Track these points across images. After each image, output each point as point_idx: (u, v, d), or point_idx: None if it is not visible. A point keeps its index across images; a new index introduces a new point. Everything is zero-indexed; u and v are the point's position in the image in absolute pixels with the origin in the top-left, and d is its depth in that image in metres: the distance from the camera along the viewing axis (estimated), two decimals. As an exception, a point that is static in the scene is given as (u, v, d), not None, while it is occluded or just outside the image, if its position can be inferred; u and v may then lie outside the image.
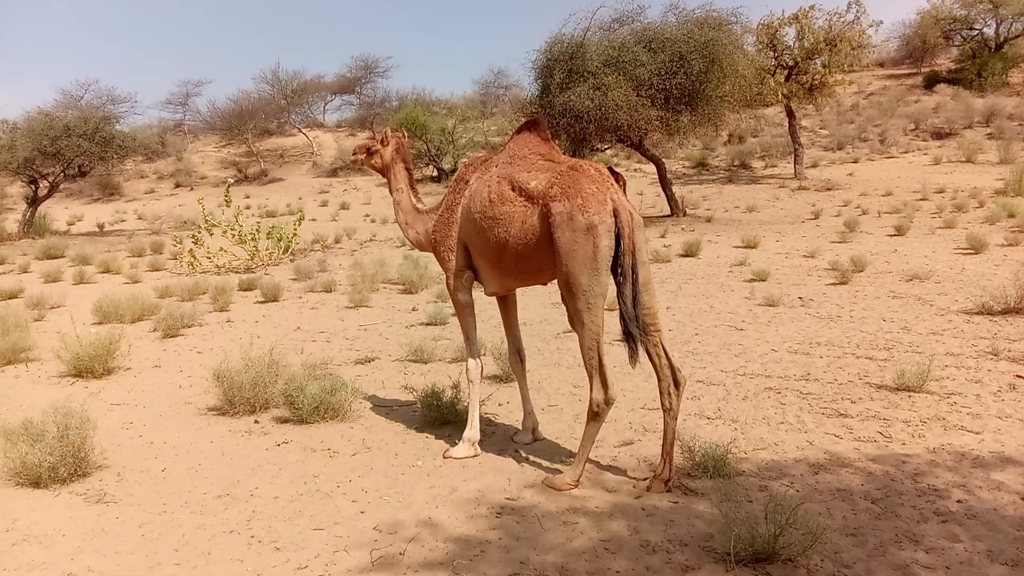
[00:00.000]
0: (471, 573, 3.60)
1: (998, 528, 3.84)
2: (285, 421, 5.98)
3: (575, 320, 4.45)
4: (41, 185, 26.19)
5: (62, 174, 26.37)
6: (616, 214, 4.32)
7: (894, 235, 15.62)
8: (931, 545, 3.71)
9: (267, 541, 4.04)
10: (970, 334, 7.79)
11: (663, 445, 4.50)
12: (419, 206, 5.69)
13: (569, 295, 4.41)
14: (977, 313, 8.62)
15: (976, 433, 5.20)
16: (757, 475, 4.65)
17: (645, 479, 4.58)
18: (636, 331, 4.30)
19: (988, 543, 3.70)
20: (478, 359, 5.29)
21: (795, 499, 4.00)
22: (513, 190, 4.71)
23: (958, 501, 4.18)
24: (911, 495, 4.28)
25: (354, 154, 6.06)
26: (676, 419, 4.50)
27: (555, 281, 4.61)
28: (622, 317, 4.34)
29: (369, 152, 5.90)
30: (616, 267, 4.34)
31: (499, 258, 4.81)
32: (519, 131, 5.17)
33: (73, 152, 24.75)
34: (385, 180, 5.95)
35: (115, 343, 7.81)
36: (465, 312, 5.27)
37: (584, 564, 3.65)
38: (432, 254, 5.52)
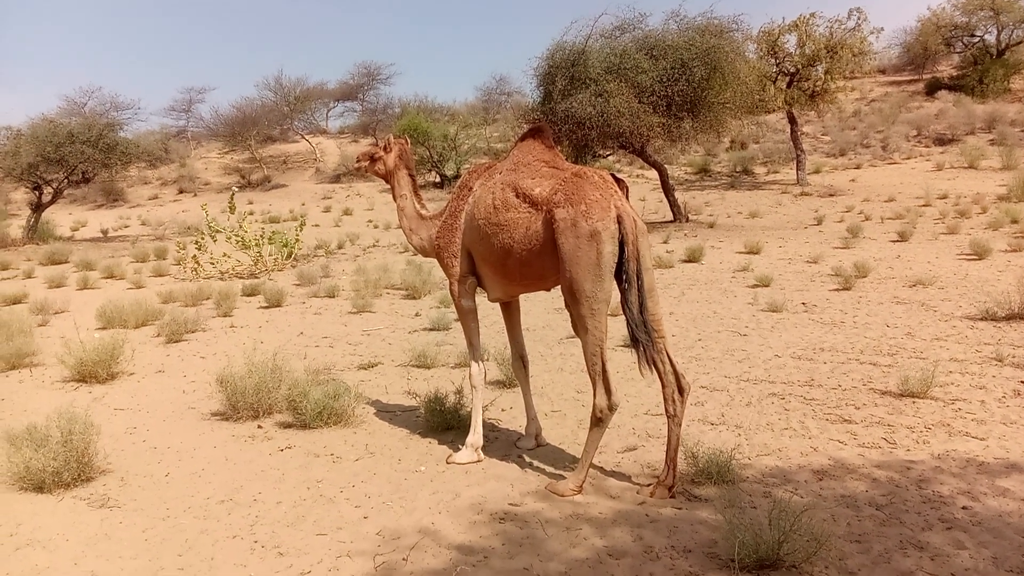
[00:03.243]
0: (475, 579, 3.59)
1: (1003, 535, 3.83)
2: (288, 426, 5.98)
3: (578, 326, 4.45)
4: (45, 191, 26.26)
5: (66, 180, 26.45)
6: (620, 220, 4.32)
7: (897, 241, 15.60)
8: (936, 552, 3.70)
9: (270, 546, 4.04)
10: (974, 340, 7.78)
11: (667, 451, 4.49)
12: (423, 212, 5.70)
13: (572, 301, 4.41)
14: (981, 319, 8.60)
15: (981, 439, 5.18)
16: (761, 481, 4.64)
17: (648, 485, 4.58)
18: (644, 337, 4.30)
19: (993, 550, 3.68)
20: (481, 364, 5.29)
21: (799, 506, 3.99)
22: (517, 196, 4.72)
23: (963, 508, 4.16)
24: (916, 502, 4.27)
25: (358, 161, 6.07)
26: (680, 425, 4.50)
27: (558, 287, 4.62)
28: (629, 324, 4.34)
29: (372, 159, 5.92)
30: (620, 274, 4.35)
31: (503, 264, 4.81)
32: (523, 138, 5.19)
33: (77, 158, 24.85)
34: (389, 186, 5.96)
35: (119, 348, 7.82)
36: (468, 318, 5.27)
37: (587, 572, 3.64)
38: (436, 260, 5.53)
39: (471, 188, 5.20)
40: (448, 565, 3.77)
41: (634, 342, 4.37)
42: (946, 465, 4.77)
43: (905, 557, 3.65)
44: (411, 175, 5.84)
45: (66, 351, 7.70)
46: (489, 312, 8.10)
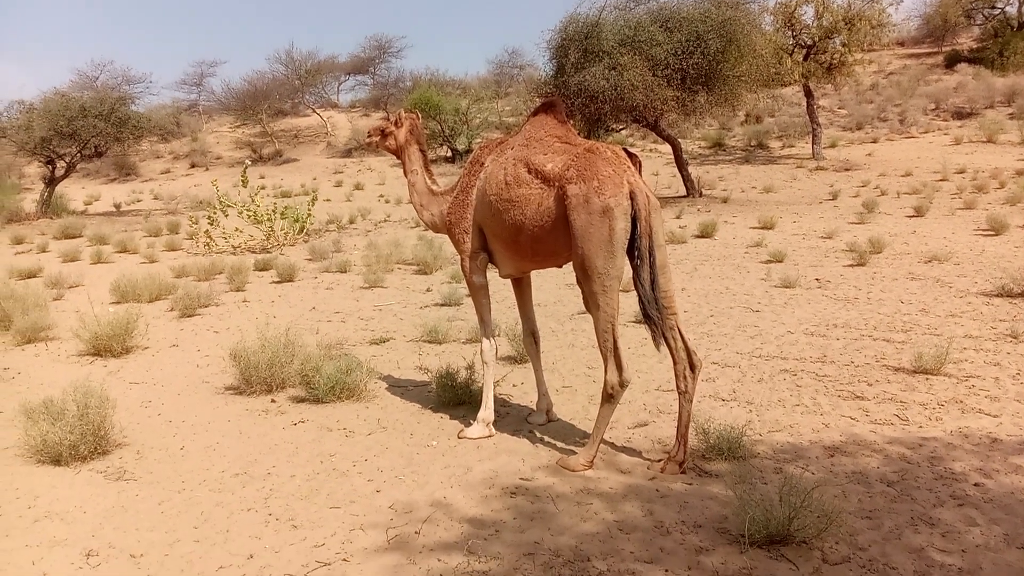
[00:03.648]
0: (485, 554, 3.62)
1: (1015, 512, 3.82)
2: (301, 401, 6.03)
3: (590, 303, 4.44)
4: (58, 165, 26.35)
5: (79, 154, 26.53)
6: (632, 196, 4.29)
7: (913, 216, 15.46)
8: (947, 529, 3.69)
9: (284, 519, 4.09)
10: (989, 316, 7.72)
11: (678, 427, 4.50)
12: (434, 188, 5.67)
13: (584, 278, 4.40)
14: (997, 295, 8.53)
15: (994, 416, 5.16)
16: (772, 457, 4.64)
17: (659, 461, 4.59)
18: (656, 314, 4.29)
19: (1005, 527, 3.68)
20: (492, 340, 5.30)
21: (810, 482, 4.00)
22: (529, 172, 4.69)
23: (975, 485, 4.16)
24: (927, 478, 4.26)
25: (368, 136, 6.05)
26: (691, 402, 4.50)
27: (570, 263, 4.60)
28: (641, 301, 4.32)
29: (383, 134, 5.89)
30: (633, 250, 4.33)
31: (514, 240, 4.80)
32: (535, 113, 5.14)
33: (89, 132, 24.89)
34: (399, 162, 5.94)
35: (133, 322, 7.88)
36: (480, 294, 5.27)
37: (598, 546, 3.66)
38: (447, 236, 5.52)
39: (483, 163, 5.17)
40: (460, 538, 3.80)
41: (646, 319, 4.36)
42: (959, 442, 4.76)
43: (916, 533, 3.65)
44: (422, 150, 5.81)
45: (81, 325, 7.77)
46: (501, 288, 8.10)
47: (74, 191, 30.80)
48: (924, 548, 3.52)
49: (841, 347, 6.94)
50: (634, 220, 4.29)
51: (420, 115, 6.03)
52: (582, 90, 19.77)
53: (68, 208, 25.31)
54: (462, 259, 5.29)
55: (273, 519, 4.09)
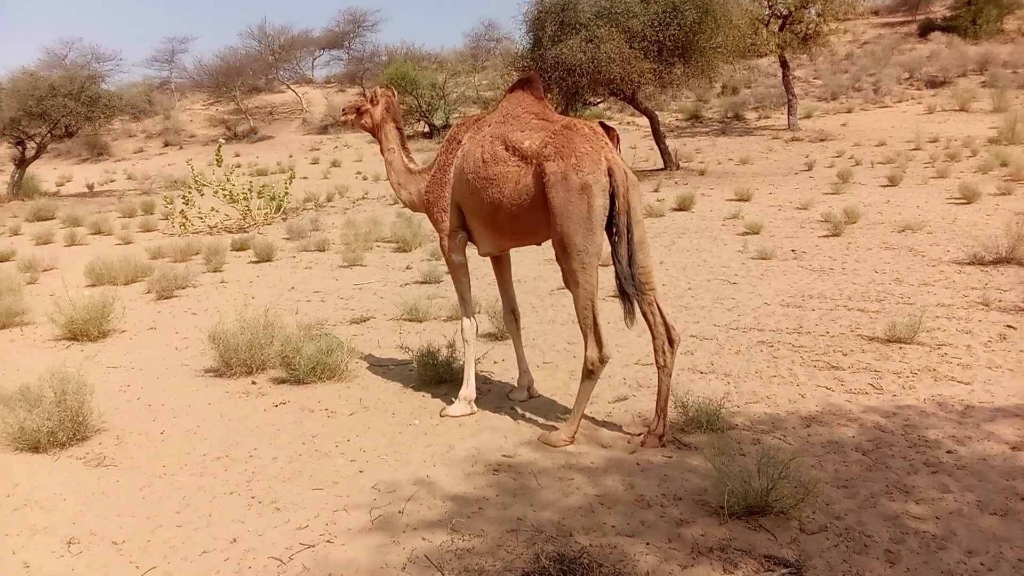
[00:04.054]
0: (469, 531, 3.65)
1: (987, 478, 3.91)
2: (282, 382, 6.01)
3: (569, 280, 4.45)
4: (28, 146, 25.89)
5: (49, 135, 26.07)
6: (610, 173, 4.29)
7: (887, 186, 15.59)
8: (921, 496, 3.78)
9: (267, 502, 4.10)
10: (961, 285, 7.84)
11: (657, 401, 4.54)
12: (411, 166, 5.63)
13: (563, 255, 4.40)
14: (969, 263, 8.65)
15: (966, 384, 5.26)
16: (750, 428, 4.71)
17: (639, 435, 4.64)
18: (632, 290, 4.31)
19: (978, 493, 3.76)
20: (473, 319, 5.31)
21: (787, 453, 4.06)
22: (506, 150, 4.67)
23: (948, 452, 4.24)
24: (902, 446, 4.35)
25: (343, 114, 5.98)
26: (670, 376, 4.54)
27: (549, 241, 4.60)
28: (617, 277, 4.35)
29: (359, 111, 5.82)
30: (611, 226, 4.34)
31: (493, 219, 4.79)
32: (512, 89, 5.11)
33: (59, 112, 24.46)
34: (376, 140, 5.88)
35: (109, 306, 7.80)
36: (459, 273, 5.26)
37: (580, 520, 3.71)
38: (425, 215, 5.49)
39: (460, 141, 5.14)
40: (443, 516, 3.83)
41: (621, 295, 4.39)
42: (932, 410, 4.85)
43: (891, 501, 3.73)
44: (399, 128, 5.76)
45: (56, 310, 7.68)
46: (481, 264, 8.10)
47: (46, 172, 30.25)
48: (899, 516, 3.60)
49: (817, 318, 7.03)
50: (612, 197, 4.30)
51: (396, 92, 5.97)
52: (559, 63, 19.64)
53: (40, 190, 24.91)
54: (441, 238, 5.27)
55: (256, 502, 4.10)
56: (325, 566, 3.44)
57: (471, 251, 5.30)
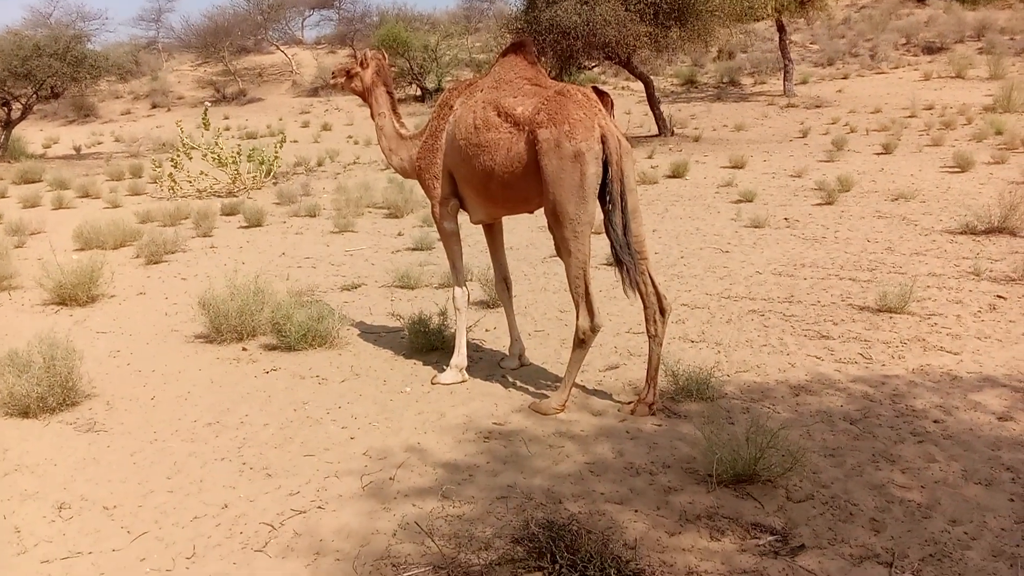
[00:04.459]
0: (459, 498, 3.68)
1: (973, 448, 3.95)
2: (273, 348, 6.00)
3: (561, 248, 4.43)
4: (14, 107, 25.45)
5: (35, 95, 25.62)
6: (604, 140, 4.25)
7: (881, 153, 15.53)
8: (907, 465, 3.81)
9: (258, 468, 4.11)
10: (953, 254, 7.85)
11: (648, 370, 4.56)
12: (403, 132, 5.57)
13: (556, 223, 4.38)
14: (961, 233, 8.66)
15: (955, 354, 5.29)
16: (740, 397, 4.73)
17: (630, 403, 4.66)
18: (628, 259, 4.29)
19: (963, 463, 3.80)
20: (464, 287, 5.29)
21: (776, 422, 4.09)
22: (499, 116, 4.61)
23: (935, 422, 4.28)
24: (889, 416, 4.38)
25: (333, 77, 5.89)
26: (661, 345, 4.55)
27: (541, 209, 4.57)
28: (613, 246, 4.32)
29: (349, 75, 5.73)
30: (604, 195, 4.31)
31: (485, 186, 4.75)
32: (505, 54, 5.04)
33: (44, 73, 24.02)
34: (366, 104, 5.80)
35: (98, 270, 7.74)
36: (451, 240, 5.23)
37: (570, 487, 3.73)
38: (417, 181, 5.44)
39: (452, 107, 5.07)
40: (434, 483, 3.85)
41: (618, 263, 4.37)
42: (920, 379, 4.88)
43: (877, 470, 3.77)
44: (389, 92, 5.68)
45: (44, 274, 7.62)
46: (473, 231, 8.07)
47: (32, 134, 29.80)
48: (885, 484, 3.64)
49: (808, 287, 7.04)
50: (605, 164, 4.26)
51: (387, 55, 5.87)
52: (554, 26, 19.35)
53: (26, 152, 24.56)
54: (432, 205, 5.23)
55: (247, 468, 4.11)
56: (316, 532, 3.46)
57: (463, 218, 5.27)
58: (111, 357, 6.05)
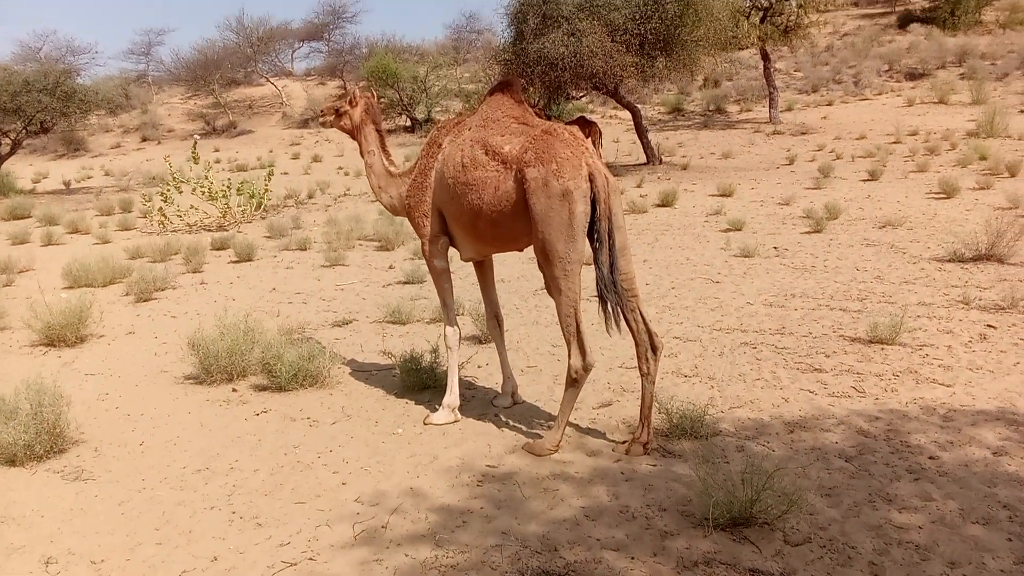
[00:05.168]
0: (454, 546, 3.63)
1: (970, 485, 3.93)
2: (263, 389, 5.95)
3: (552, 287, 4.42)
4: (3, 142, 25.46)
5: (24, 131, 25.62)
6: (591, 179, 4.26)
7: (868, 180, 15.66)
8: (904, 504, 3.79)
9: (248, 517, 4.04)
10: (942, 282, 7.89)
11: (641, 408, 4.53)
12: (392, 169, 5.57)
13: (545, 262, 4.37)
14: (949, 260, 8.71)
15: (948, 386, 5.29)
16: (734, 435, 4.71)
17: (624, 442, 4.62)
18: (613, 297, 4.29)
19: (960, 501, 3.78)
20: (456, 325, 5.27)
21: (772, 462, 4.06)
22: (487, 154, 4.62)
23: (930, 458, 4.26)
24: (884, 452, 4.36)
25: (322, 115, 5.91)
26: (653, 383, 4.53)
27: (531, 247, 4.57)
28: (598, 283, 4.32)
29: (338, 113, 5.75)
30: (592, 232, 4.31)
31: (474, 224, 4.75)
32: (492, 92, 5.07)
33: (34, 108, 24.05)
34: (355, 142, 5.82)
35: (87, 310, 7.67)
36: (442, 278, 5.22)
37: (565, 533, 3.69)
38: (406, 219, 5.44)
39: (440, 145, 5.09)
40: (428, 530, 3.80)
41: (602, 302, 4.36)
42: (913, 414, 4.87)
43: (875, 510, 3.74)
44: (378, 130, 5.69)
45: (32, 314, 7.55)
46: (463, 264, 8.07)
47: (21, 168, 29.75)
48: (882, 525, 3.60)
49: (799, 317, 7.05)
50: (593, 203, 4.27)
51: (376, 94, 5.89)
52: (542, 57, 19.54)
53: (15, 187, 24.42)
54: (422, 243, 5.22)
55: (237, 517, 4.05)
56: (308, 584, 3.40)
57: (453, 253, 5.26)
58: (99, 400, 5.98)
